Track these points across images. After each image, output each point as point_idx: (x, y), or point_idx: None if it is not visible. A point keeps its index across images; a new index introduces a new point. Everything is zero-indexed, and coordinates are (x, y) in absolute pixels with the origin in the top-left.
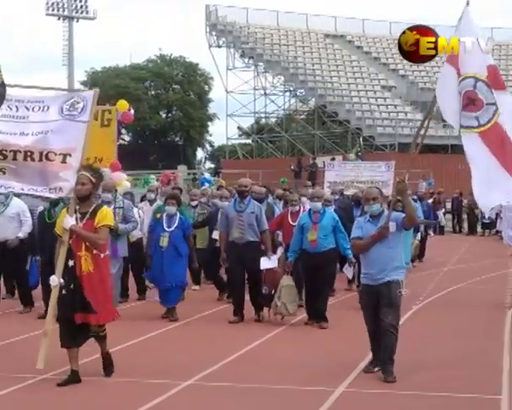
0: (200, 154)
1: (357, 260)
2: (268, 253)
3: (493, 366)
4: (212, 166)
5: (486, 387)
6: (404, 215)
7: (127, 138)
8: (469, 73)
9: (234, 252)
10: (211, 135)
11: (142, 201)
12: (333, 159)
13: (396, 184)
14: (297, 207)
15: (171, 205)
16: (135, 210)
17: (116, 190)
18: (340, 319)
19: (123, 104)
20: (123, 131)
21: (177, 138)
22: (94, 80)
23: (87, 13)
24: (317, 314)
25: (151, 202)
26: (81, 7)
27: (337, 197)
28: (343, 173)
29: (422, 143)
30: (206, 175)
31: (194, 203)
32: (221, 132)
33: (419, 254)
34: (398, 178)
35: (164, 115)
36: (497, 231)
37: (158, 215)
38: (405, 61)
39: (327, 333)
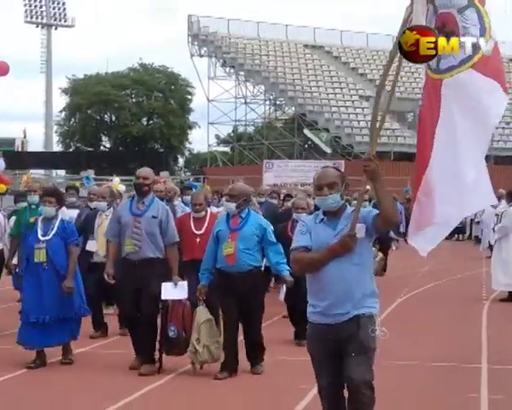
0: (180, 161)
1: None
2: (174, 277)
3: (474, 343)
4: (189, 173)
5: (468, 358)
6: (376, 211)
7: (108, 145)
8: None
9: (127, 273)
10: (190, 143)
11: (16, 202)
12: None
13: (364, 164)
14: (202, 213)
15: (49, 205)
16: None
17: None
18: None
19: None
20: (103, 138)
21: (158, 146)
22: (75, 87)
23: (65, 21)
24: (249, 357)
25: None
26: (60, 14)
27: (263, 200)
28: (284, 174)
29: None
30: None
31: (93, 205)
32: (199, 140)
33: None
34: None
35: (145, 123)
36: (470, 236)
37: (31, 220)
38: (382, 72)
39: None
